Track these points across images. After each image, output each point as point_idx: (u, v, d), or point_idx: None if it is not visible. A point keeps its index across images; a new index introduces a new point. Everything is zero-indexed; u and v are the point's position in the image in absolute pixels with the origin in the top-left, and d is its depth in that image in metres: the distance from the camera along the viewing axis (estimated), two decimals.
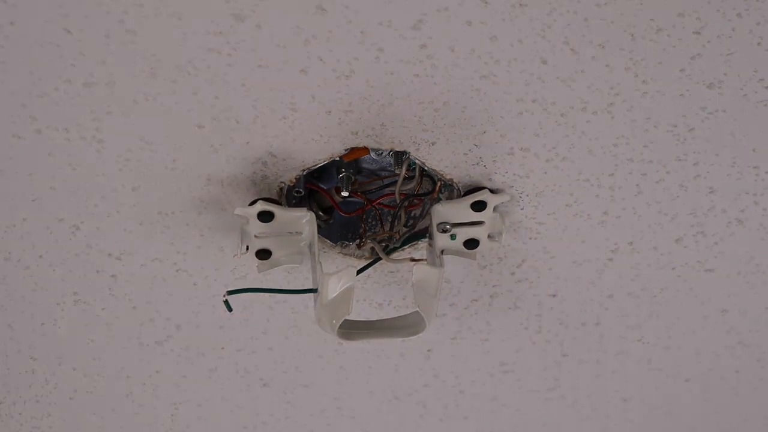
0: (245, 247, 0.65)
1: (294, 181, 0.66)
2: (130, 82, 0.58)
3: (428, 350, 0.82)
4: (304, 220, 0.63)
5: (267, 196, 0.65)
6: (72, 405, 0.88)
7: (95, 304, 0.76)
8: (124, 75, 0.57)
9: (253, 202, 0.64)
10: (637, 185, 0.66)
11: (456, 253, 0.68)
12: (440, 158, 0.64)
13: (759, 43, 0.55)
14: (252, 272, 0.72)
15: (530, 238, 0.70)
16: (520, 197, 0.67)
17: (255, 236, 0.65)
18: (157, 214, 0.68)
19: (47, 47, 0.55)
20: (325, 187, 0.70)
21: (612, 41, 0.55)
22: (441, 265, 0.65)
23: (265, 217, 0.63)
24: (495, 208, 0.65)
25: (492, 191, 0.65)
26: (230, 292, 0.62)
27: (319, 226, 0.64)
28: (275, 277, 0.72)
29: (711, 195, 0.67)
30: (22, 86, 0.58)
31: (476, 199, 0.64)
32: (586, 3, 0.53)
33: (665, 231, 0.70)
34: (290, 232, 0.65)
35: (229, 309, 0.62)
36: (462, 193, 0.66)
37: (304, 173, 0.65)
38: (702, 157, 0.64)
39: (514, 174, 0.65)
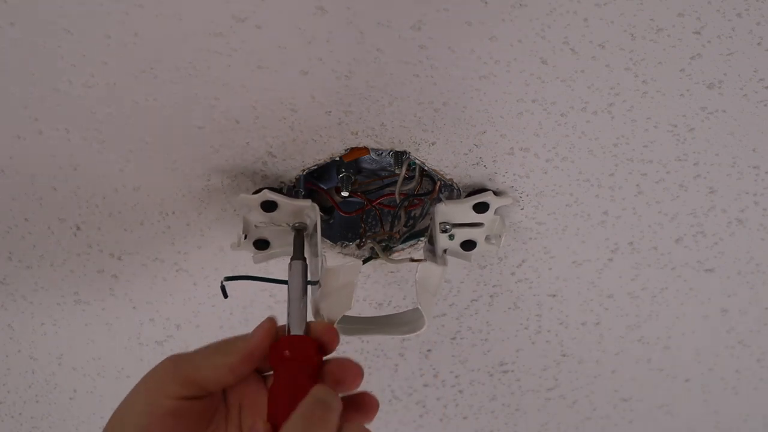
0: (244, 236, 0.65)
1: (294, 181, 0.66)
2: (131, 82, 0.58)
3: (428, 350, 0.82)
4: (306, 211, 0.63)
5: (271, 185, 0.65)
6: (72, 405, 0.88)
7: (95, 304, 0.76)
8: (124, 76, 0.57)
9: (257, 191, 0.63)
10: (637, 185, 0.66)
11: (451, 253, 0.67)
12: (440, 158, 0.64)
13: (759, 43, 0.55)
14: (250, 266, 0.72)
15: (530, 238, 0.70)
16: (520, 197, 0.67)
17: (255, 226, 0.64)
18: (158, 214, 0.68)
19: (48, 48, 0.55)
20: (325, 187, 0.70)
21: (612, 41, 0.55)
22: (444, 263, 0.65)
23: (269, 206, 0.63)
24: (496, 211, 0.65)
25: (496, 194, 0.65)
26: (228, 278, 0.62)
27: None
28: (272, 270, 0.72)
29: (711, 195, 0.67)
30: (23, 87, 0.58)
31: (479, 201, 0.64)
32: (586, 3, 0.53)
33: (665, 231, 0.70)
34: (291, 224, 0.64)
35: (225, 295, 0.62)
36: (462, 193, 0.66)
37: (304, 173, 0.65)
38: (702, 157, 0.64)
39: (514, 174, 0.65)
